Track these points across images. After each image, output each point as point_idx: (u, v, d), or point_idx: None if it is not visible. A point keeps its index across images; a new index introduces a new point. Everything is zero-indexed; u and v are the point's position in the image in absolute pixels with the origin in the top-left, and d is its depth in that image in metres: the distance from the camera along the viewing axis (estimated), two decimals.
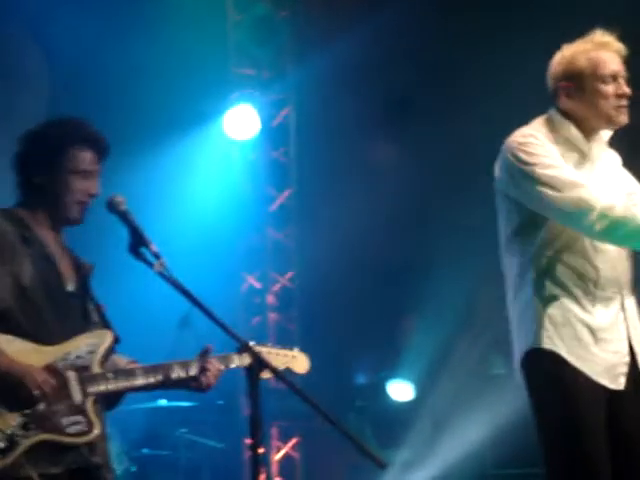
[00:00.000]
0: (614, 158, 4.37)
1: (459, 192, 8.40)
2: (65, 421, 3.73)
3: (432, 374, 8.79)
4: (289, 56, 9.80)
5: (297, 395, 3.46)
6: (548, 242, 4.10)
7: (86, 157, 3.96)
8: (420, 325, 9.08)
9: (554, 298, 4.08)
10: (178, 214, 8.51)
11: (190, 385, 4.06)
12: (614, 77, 4.15)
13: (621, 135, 4.31)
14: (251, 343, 4.30)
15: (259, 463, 3.39)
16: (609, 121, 4.18)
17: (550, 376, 4.07)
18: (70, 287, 3.96)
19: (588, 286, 4.08)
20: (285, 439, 9.54)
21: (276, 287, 9.75)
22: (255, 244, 9.71)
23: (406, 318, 9.53)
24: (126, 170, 7.55)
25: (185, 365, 4.02)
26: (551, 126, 4.20)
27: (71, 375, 3.79)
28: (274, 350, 4.35)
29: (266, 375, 3.55)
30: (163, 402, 7.70)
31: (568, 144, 4.18)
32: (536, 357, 4.08)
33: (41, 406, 3.70)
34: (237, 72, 9.68)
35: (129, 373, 3.92)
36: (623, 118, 4.17)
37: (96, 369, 3.85)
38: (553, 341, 4.04)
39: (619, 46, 4.21)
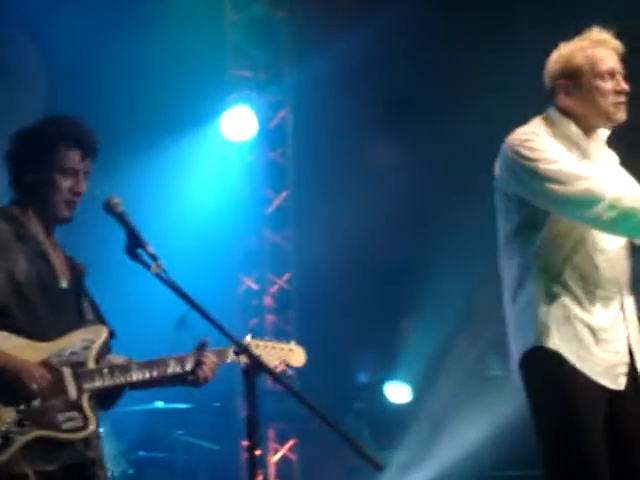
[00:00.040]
0: (612, 157, 4.36)
1: (459, 192, 8.39)
2: (60, 417, 3.74)
3: (430, 375, 8.78)
4: (287, 56, 9.79)
5: (294, 397, 3.44)
6: (549, 241, 4.09)
7: (74, 156, 3.97)
8: (419, 326, 9.07)
9: (555, 297, 4.06)
10: (175, 216, 8.50)
11: (187, 380, 4.07)
12: (612, 74, 4.15)
13: (619, 135, 4.31)
14: (248, 337, 4.32)
15: (256, 465, 3.38)
16: (608, 118, 4.17)
17: (549, 376, 4.06)
18: (64, 284, 3.98)
19: (589, 285, 4.07)
20: (282, 441, 9.54)
21: (273, 289, 9.74)
22: (252, 246, 9.71)
23: (405, 319, 9.52)
24: (123, 171, 7.55)
25: (181, 360, 4.04)
26: (550, 124, 4.21)
27: (66, 371, 3.80)
28: (270, 344, 4.38)
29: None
30: (160, 404, 7.69)
31: (568, 141, 4.17)
32: (536, 357, 4.07)
33: (36, 402, 3.70)
34: (234, 74, 9.67)
35: (124, 369, 3.93)
36: (621, 115, 4.17)
37: (91, 365, 3.87)
38: (554, 340, 4.03)
39: (616, 44, 4.22)
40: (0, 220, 3.90)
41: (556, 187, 4.00)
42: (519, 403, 4.30)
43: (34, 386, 3.68)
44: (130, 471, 7.30)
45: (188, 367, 4.03)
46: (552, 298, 4.06)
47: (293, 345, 4.45)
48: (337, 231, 8.95)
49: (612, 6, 5.87)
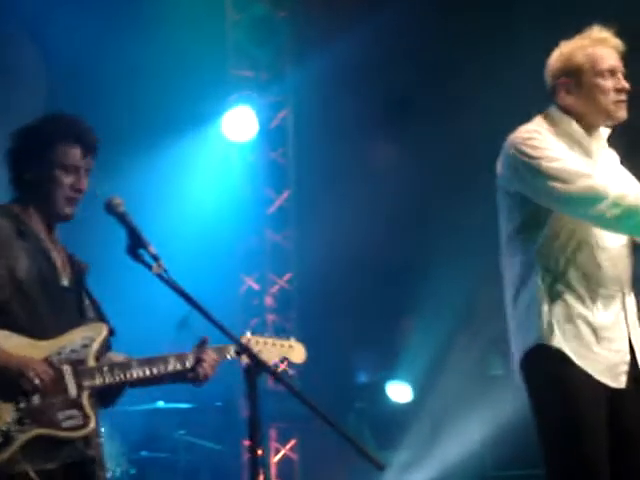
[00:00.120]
0: (613, 156, 4.36)
1: (459, 192, 8.38)
2: (61, 415, 3.73)
3: (431, 375, 8.78)
4: (288, 56, 9.79)
5: (295, 397, 3.44)
6: (551, 239, 4.08)
7: (75, 153, 3.96)
8: (419, 325, 9.07)
9: (558, 296, 4.06)
10: (176, 216, 8.50)
11: (187, 377, 4.06)
12: (612, 72, 4.16)
13: (619, 134, 4.30)
14: (247, 334, 4.31)
15: (258, 465, 3.39)
16: (608, 116, 4.17)
17: (551, 375, 4.06)
18: (65, 282, 3.98)
19: (591, 284, 4.07)
20: (284, 441, 9.54)
21: (274, 289, 9.74)
22: (253, 246, 9.71)
23: (405, 319, 9.52)
24: (124, 171, 7.54)
25: (181, 357, 4.03)
26: (552, 122, 4.20)
27: (66, 369, 3.79)
28: (270, 340, 4.37)
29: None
30: (161, 404, 7.69)
31: (570, 139, 4.17)
32: (538, 355, 4.06)
33: (36, 400, 3.70)
34: (235, 74, 9.67)
35: (124, 366, 3.92)
36: (622, 113, 4.17)
37: (91, 363, 3.86)
38: (557, 338, 4.02)
39: (617, 42, 4.22)
40: (1, 217, 3.89)
41: (558, 185, 4.00)
42: (520, 402, 4.30)
43: (37, 381, 3.67)
44: (132, 471, 7.30)
45: (188, 364, 4.02)
46: (555, 296, 4.06)
47: (293, 342, 4.45)
48: (338, 231, 8.94)
49: (612, 6, 5.85)
